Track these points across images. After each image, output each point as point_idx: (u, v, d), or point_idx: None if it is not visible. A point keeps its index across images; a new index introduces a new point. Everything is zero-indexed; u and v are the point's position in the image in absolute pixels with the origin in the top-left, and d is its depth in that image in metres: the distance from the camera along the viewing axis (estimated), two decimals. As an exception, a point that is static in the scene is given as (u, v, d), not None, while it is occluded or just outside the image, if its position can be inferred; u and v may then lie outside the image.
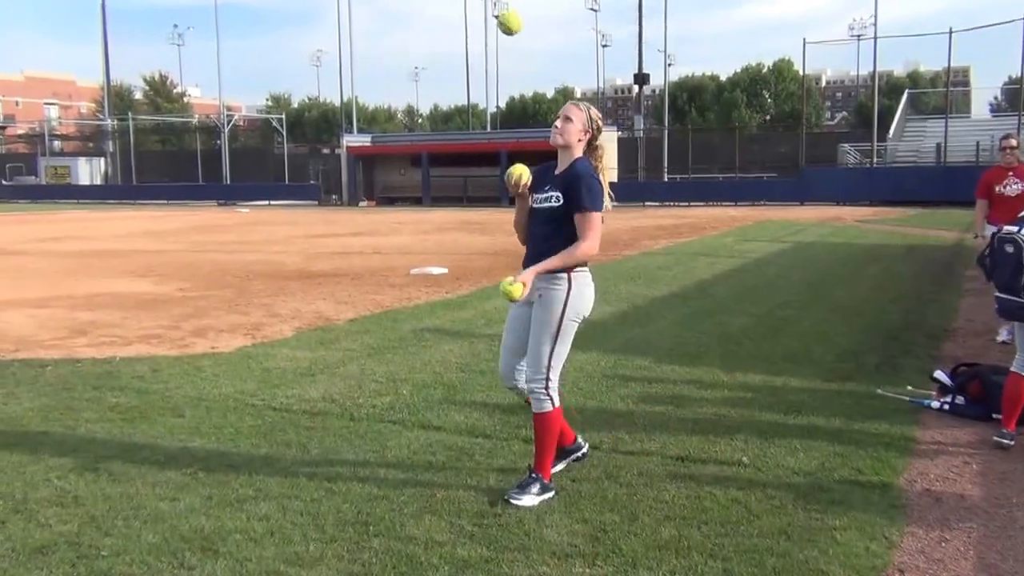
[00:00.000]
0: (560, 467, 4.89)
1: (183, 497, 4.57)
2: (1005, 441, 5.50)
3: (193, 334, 9.34)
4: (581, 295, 4.57)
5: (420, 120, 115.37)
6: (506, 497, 4.50)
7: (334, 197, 50.63)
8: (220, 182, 57.86)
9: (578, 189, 4.47)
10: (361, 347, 8.49)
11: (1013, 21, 41.29)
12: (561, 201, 4.51)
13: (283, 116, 67.60)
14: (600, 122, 4.66)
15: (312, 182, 54.60)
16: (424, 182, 47.18)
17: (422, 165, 47.31)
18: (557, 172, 4.60)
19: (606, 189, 4.58)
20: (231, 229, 28.61)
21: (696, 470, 5.04)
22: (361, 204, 48.01)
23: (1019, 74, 41.74)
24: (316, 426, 5.86)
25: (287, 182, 57.02)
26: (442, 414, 6.13)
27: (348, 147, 49.82)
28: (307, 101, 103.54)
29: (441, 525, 4.23)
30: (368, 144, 52.79)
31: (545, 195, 4.57)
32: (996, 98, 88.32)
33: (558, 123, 4.57)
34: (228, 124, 60.37)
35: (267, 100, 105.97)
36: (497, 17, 4.64)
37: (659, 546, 4.03)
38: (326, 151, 60.26)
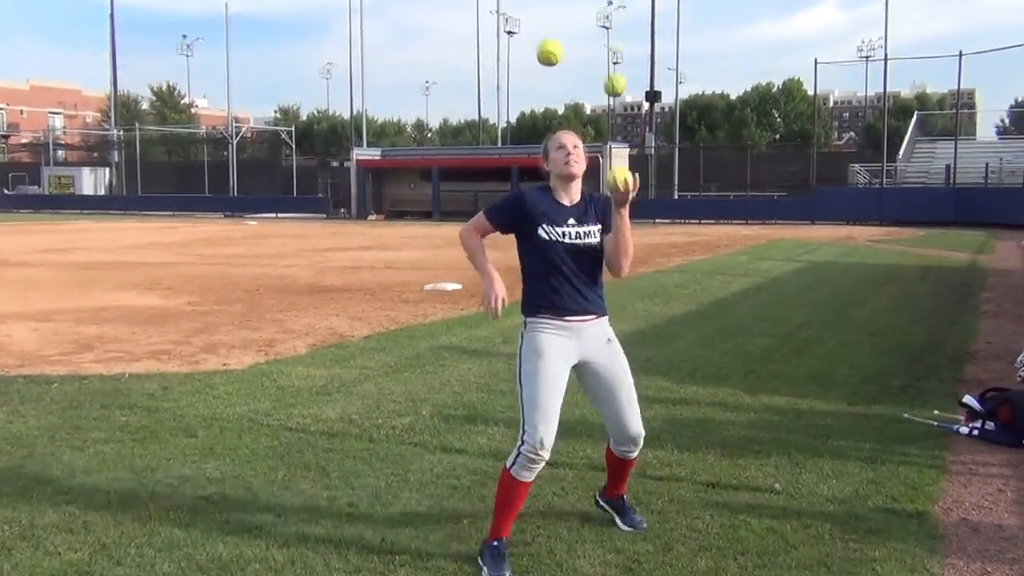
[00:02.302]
0: None
1: (199, 523, 4.39)
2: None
3: (204, 350, 9.19)
4: None
5: (429, 134, 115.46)
6: (646, 526, 4.40)
7: (342, 210, 50.56)
8: (227, 194, 57.83)
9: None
10: (377, 365, 8.32)
11: (1022, 45, 41.70)
12: (600, 234, 4.22)
13: (292, 128, 67.64)
14: None
15: (320, 195, 54.54)
16: (434, 196, 47.09)
17: (433, 179, 47.24)
18: (573, 204, 4.25)
19: None
20: (239, 242, 28.51)
21: (728, 497, 4.88)
22: (370, 218, 47.94)
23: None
24: (334, 448, 5.69)
25: (295, 195, 56.99)
26: (464, 436, 5.96)
27: (358, 160, 49.78)
28: (316, 114, 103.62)
29: (470, 555, 4.05)
30: (378, 157, 52.82)
31: (585, 229, 4.19)
32: (1003, 120, 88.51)
33: (571, 150, 4.19)
34: (236, 136, 60.38)
35: (275, 112, 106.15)
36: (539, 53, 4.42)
37: (696, 579, 3.87)
38: (335, 164, 60.15)
